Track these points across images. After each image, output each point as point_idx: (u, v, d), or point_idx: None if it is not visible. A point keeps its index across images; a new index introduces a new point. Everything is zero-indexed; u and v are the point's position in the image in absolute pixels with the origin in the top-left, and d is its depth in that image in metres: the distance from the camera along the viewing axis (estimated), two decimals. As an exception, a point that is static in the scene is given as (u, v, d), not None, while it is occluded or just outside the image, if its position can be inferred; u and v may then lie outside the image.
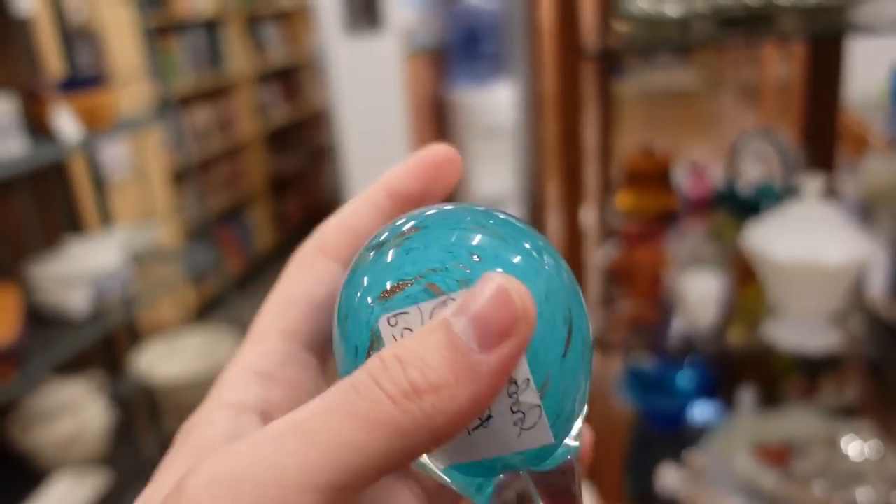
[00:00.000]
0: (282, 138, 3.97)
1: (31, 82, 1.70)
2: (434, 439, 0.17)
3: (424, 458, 0.21)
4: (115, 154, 2.26)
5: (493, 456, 0.20)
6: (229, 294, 2.37)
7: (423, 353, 0.17)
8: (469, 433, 0.19)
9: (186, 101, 3.16)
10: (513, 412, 0.19)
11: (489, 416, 0.19)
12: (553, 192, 1.20)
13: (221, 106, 3.42)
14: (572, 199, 1.13)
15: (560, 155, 1.09)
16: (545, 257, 0.20)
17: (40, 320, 1.54)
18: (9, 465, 1.61)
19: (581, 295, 0.21)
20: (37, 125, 1.58)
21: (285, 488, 0.16)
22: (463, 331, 0.17)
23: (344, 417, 0.17)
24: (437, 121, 2.98)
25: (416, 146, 2.60)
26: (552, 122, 1.17)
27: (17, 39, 1.77)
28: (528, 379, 0.19)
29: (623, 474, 1.22)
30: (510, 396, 0.19)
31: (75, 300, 1.55)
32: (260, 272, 3.53)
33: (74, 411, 1.66)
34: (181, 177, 2.96)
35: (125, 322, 1.87)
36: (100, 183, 1.97)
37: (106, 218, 1.98)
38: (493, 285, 0.17)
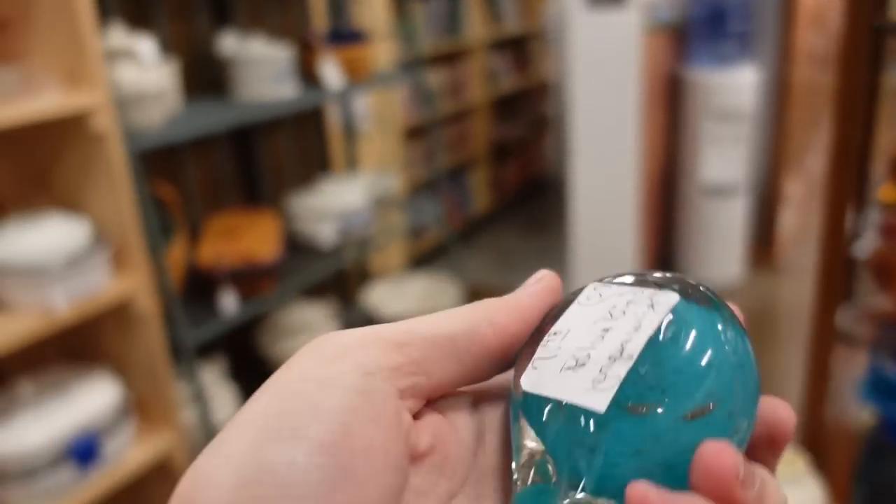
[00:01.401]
0: (507, 106, 4.07)
1: (304, 33, 1.89)
2: None
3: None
4: (363, 106, 2.44)
5: (558, 397, 0.22)
6: (448, 247, 2.50)
7: None
8: (560, 370, 0.23)
9: (424, 64, 3.34)
10: (600, 371, 0.22)
11: (583, 364, 0.23)
12: (788, 187, 1.15)
13: (454, 70, 3.56)
14: (840, 192, 1.08)
15: (837, 144, 1.04)
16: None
17: (295, 246, 1.73)
18: (255, 367, 1.83)
19: (752, 402, 0.23)
20: (306, 72, 1.76)
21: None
22: None
23: None
24: (670, 99, 2.91)
25: (645, 124, 2.57)
26: (796, 110, 1.12)
27: (298, -6, 1.97)
28: (632, 356, 0.22)
29: (853, 482, 1.16)
30: (609, 359, 0.22)
31: (324, 232, 1.72)
32: (474, 232, 3.67)
33: (312, 332, 1.86)
34: (414, 134, 3.14)
35: (360, 258, 2.04)
36: (350, 130, 2.15)
37: (352, 163, 2.16)
38: None
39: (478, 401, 0.26)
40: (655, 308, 0.23)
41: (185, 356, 1.40)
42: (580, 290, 0.26)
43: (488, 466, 0.24)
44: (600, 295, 0.25)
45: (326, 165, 2.09)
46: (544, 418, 0.23)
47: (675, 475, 0.21)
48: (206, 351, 1.61)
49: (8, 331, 1.12)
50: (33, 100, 1.15)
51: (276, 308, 1.78)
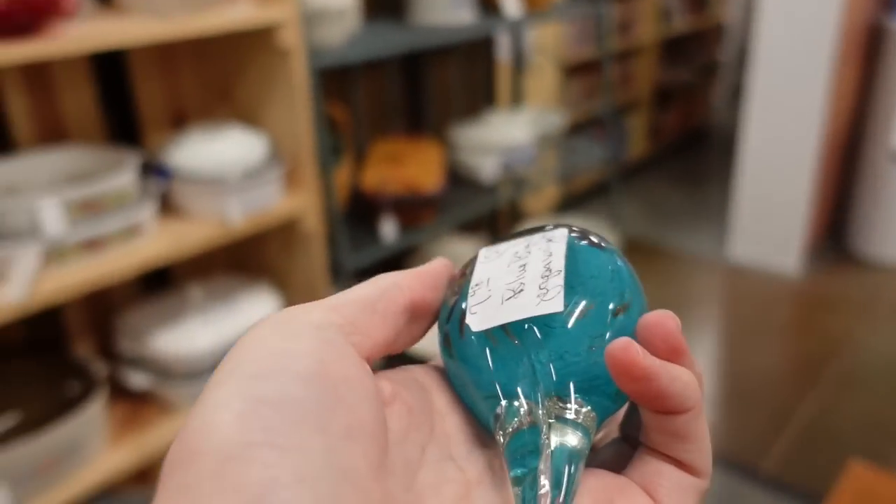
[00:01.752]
0: (676, 48, 3.83)
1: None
2: None
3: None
4: (531, 38, 2.35)
5: (515, 319, 0.24)
6: (602, 192, 2.39)
7: None
8: (502, 303, 0.25)
9: None
10: (540, 288, 0.25)
11: (521, 290, 0.25)
12: None
13: (625, 6, 3.37)
14: None
15: None
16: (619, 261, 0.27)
17: (455, 178, 1.70)
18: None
19: (643, 298, 0.26)
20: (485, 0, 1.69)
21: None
22: None
23: None
24: (867, 52, 2.62)
25: (836, 78, 2.32)
26: None
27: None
28: (560, 270, 0.25)
29: None
30: (542, 278, 0.25)
31: (487, 166, 1.68)
32: (628, 179, 3.53)
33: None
34: (574, 71, 3.01)
35: (518, 196, 1.98)
36: (519, 63, 2.07)
37: (517, 97, 2.09)
38: None
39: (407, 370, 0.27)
40: (555, 240, 0.27)
41: (342, 278, 1.41)
42: (473, 258, 0.29)
43: (447, 418, 0.26)
44: (497, 251, 0.28)
45: (491, 98, 2.03)
46: (492, 352, 0.24)
47: None
48: (360, 276, 1.62)
49: (188, 237, 1.16)
50: (226, 10, 1.15)
51: (431, 240, 1.76)
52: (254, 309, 1.33)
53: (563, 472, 0.22)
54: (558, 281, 0.25)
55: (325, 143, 1.30)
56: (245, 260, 1.46)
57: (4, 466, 1.04)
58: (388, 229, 1.45)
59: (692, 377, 0.23)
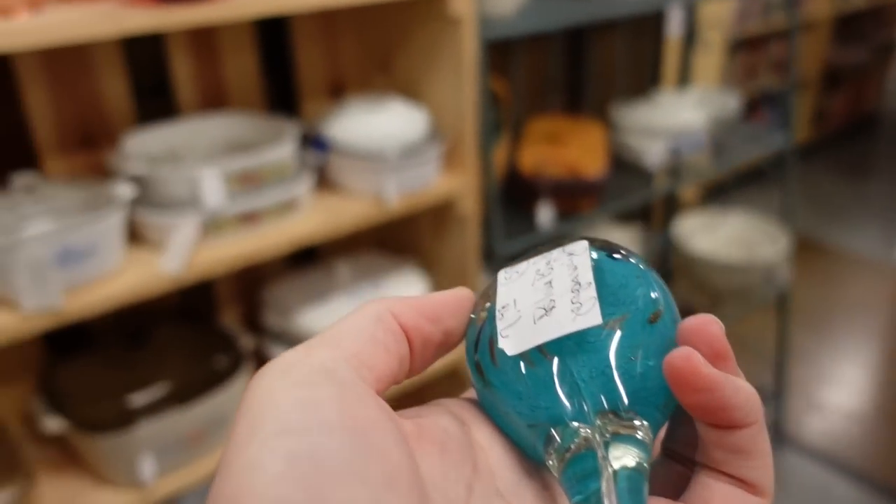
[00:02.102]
0: (851, 25, 3.48)
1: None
2: None
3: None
4: (703, 13, 2.16)
5: (552, 337, 0.23)
6: (763, 180, 2.19)
7: None
8: (535, 322, 0.24)
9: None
10: (572, 303, 0.24)
11: (553, 307, 0.24)
12: None
13: (800, -22, 3.08)
14: None
15: None
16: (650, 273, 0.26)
17: (617, 162, 1.57)
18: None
19: (675, 308, 0.25)
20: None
21: None
22: None
23: None
24: None
25: None
26: None
27: None
28: (590, 282, 0.24)
29: None
30: (573, 292, 0.24)
31: (653, 151, 1.54)
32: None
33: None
34: (737, 47, 2.78)
35: (676, 186, 1.83)
36: (691, 39, 1.90)
37: (684, 76, 1.93)
38: None
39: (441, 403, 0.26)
40: (576, 253, 0.26)
41: (494, 265, 1.33)
42: (493, 282, 0.27)
43: (490, 451, 0.24)
44: (517, 272, 0.27)
45: (656, 77, 1.88)
46: (531, 375, 0.23)
47: (660, 374, 0.22)
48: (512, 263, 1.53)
49: (343, 215, 1.10)
50: (396, -26, 1.08)
51: (586, 229, 1.65)
52: (401, 290, 1.27)
53: (629, 492, 0.21)
54: (590, 293, 0.24)
55: (488, 120, 1.21)
56: (392, 238, 1.40)
57: (152, 436, 1.04)
58: (545, 215, 1.35)
59: (753, 388, 0.22)
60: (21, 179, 0.93)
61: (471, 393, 0.28)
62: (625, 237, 1.72)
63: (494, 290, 0.27)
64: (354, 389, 0.22)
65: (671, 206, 2.06)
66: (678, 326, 0.23)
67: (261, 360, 1.23)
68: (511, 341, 0.24)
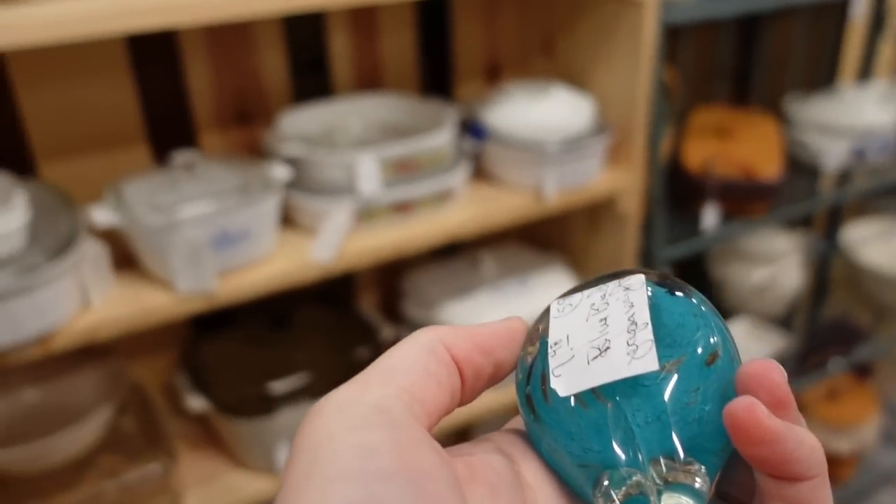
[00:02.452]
0: None
1: None
2: None
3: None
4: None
5: (606, 381, 0.23)
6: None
7: None
8: (588, 363, 0.23)
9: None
10: (628, 345, 0.23)
11: (608, 348, 0.23)
12: None
13: None
14: None
15: None
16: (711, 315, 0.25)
17: (790, 162, 1.43)
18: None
19: (734, 347, 0.24)
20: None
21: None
22: None
23: None
24: None
25: None
26: None
27: None
28: (647, 323, 0.23)
29: None
30: (629, 333, 0.23)
31: (834, 151, 1.39)
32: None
33: (772, 262, 1.57)
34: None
35: (848, 193, 1.66)
36: (878, 26, 1.70)
37: (866, 68, 1.73)
38: None
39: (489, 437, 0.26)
40: (633, 288, 0.25)
41: (652, 269, 1.23)
42: (545, 313, 0.27)
43: (538, 491, 0.24)
44: (570, 304, 0.26)
45: (835, 67, 1.70)
46: (584, 417, 0.23)
47: (718, 418, 0.21)
48: (672, 268, 1.42)
49: (498, 208, 1.03)
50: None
51: (754, 235, 1.51)
52: (548, 288, 1.19)
53: None
54: (647, 335, 0.23)
55: (659, 111, 1.10)
56: (539, 231, 1.32)
57: (291, 424, 1.01)
58: (710, 218, 1.23)
59: (816, 440, 0.21)
60: (181, 157, 0.91)
61: (516, 422, 0.27)
62: (783, 243, 1.57)
63: (547, 323, 0.26)
64: (409, 433, 0.22)
65: (836, 211, 1.88)
66: (738, 370, 0.22)
67: (401, 353, 1.19)
68: (564, 381, 0.24)
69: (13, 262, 0.76)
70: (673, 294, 0.25)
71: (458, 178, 1.01)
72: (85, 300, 0.83)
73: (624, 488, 0.22)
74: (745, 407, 0.20)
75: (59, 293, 0.79)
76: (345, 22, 1.10)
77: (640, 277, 0.26)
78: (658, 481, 0.21)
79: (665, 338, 0.23)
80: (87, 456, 0.97)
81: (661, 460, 0.22)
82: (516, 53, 1.26)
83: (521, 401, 0.26)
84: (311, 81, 1.12)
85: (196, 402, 1.01)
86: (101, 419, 0.94)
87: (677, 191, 1.29)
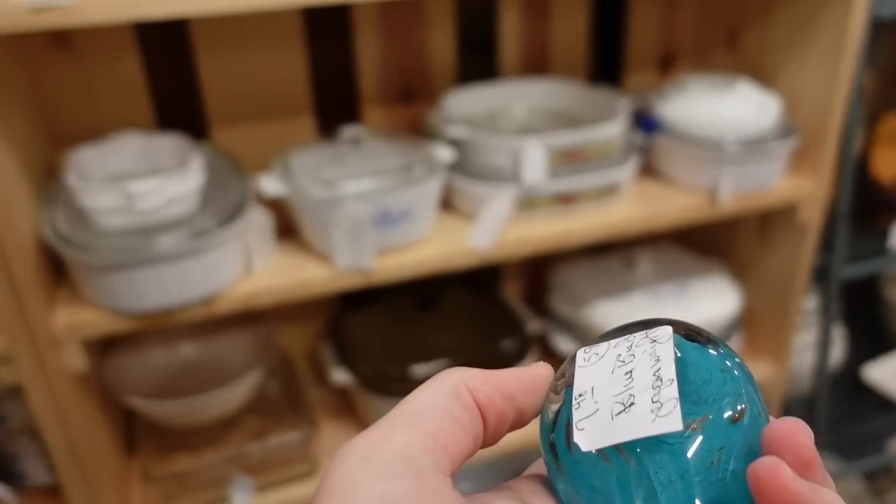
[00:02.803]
0: None
1: None
2: None
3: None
4: None
5: (630, 438, 0.22)
6: None
7: None
8: (612, 418, 0.23)
9: None
10: (652, 402, 0.23)
11: (632, 403, 0.23)
12: None
13: None
14: None
15: None
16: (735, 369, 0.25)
17: None
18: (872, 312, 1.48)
19: (762, 403, 0.24)
20: None
21: None
22: None
23: None
24: None
25: None
26: None
27: None
28: (672, 379, 0.23)
29: None
30: (653, 389, 0.23)
31: None
32: None
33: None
34: None
35: None
36: None
37: None
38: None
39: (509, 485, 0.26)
40: (659, 341, 0.25)
41: (828, 288, 1.12)
42: (571, 360, 0.27)
43: None
44: (597, 354, 0.26)
45: None
46: (606, 472, 0.23)
47: (743, 477, 0.21)
48: (848, 289, 1.30)
49: (666, 207, 0.97)
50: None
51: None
52: (709, 299, 1.12)
53: None
54: (672, 393, 0.23)
55: (855, 116, 1.00)
56: (702, 235, 1.25)
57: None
58: (898, 236, 1.12)
59: (841, 501, 0.21)
60: (349, 132, 0.91)
61: (537, 467, 0.27)
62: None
63: (572, 372, 0.26)
64: (432, 483, 0.22)
65: None
66: (765, 430, 0.22)
67: (546, 349, 1.15)
68: (587, 435, 0.24)
69: (186, 224, 0.78)
70: (701, 347, 0.25)
71: (626, 172, 0.96)
72: (248, 267, 0.84)
73: None
74: (768, 468, 0.20)
75: (225, 258, 0.80)
76: (517, 1, 1.06)
77: (668, 330, 0.26)
78: None
79: (691, 394, 0.23)
80: (234, 416, 1.00)
81: None
82: (694, 44, 1.18)
83: (544, 447, 0.26)
84: (478, 62, 1.09)
85: (339, 375, 1.02)
86: (251, 382, 0.97)
87: (863, 203, 1.17)
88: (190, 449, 0.97)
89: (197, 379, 1.00)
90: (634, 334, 0.26)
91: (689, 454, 0.22)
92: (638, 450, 0.23)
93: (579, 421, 0.24)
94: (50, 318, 0.78)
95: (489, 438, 0.26)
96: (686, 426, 0.22)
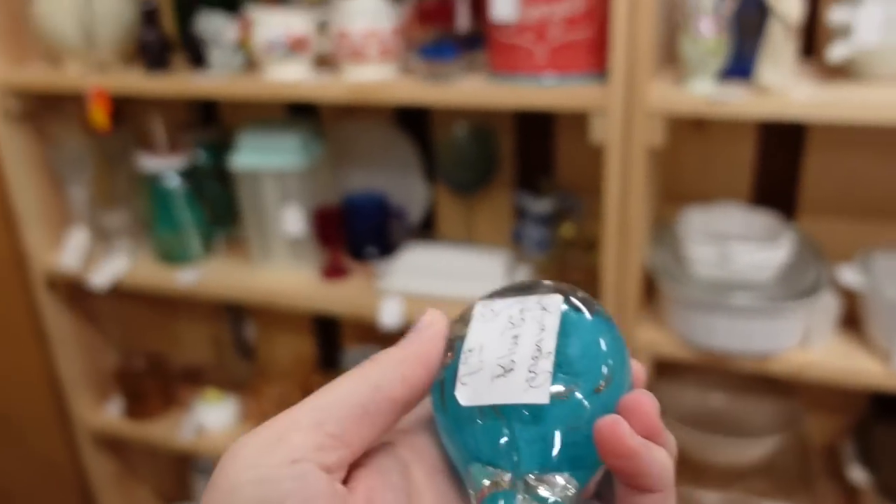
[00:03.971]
0: None
1: None
2: None
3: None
4: None
5: (502, 402, 0.26)
6: None
7: None
8: (492, 380, 0.26)
9: None
10: (529, 371, 0.26)
11: (511, 370, 0.26)
12: None
13: None
14: None
15: None
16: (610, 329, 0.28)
17: None
18: None
19: (627, 366, 0.27)
20: None
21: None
22: None
23: None
24: None
25: None
26: None
27: None
28: (550, 352, 0.26)
29: None
30: (532, 359, 0.26)
31: None
32: None
33: None
34: None
35: None
36: None
37: None
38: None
39: (390, 438, 0.28)
40: (548, 309, 0.27)
41: None
42: (469, 310, 0.29)
43: (425, 494, 0.27)
44: (492, 310, 0.29)
45: None
46: (480, 425, 0.26)
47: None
48: None
49: None
50: None
51: None
52: None
53: None
54: (546, 366, 0.26)
55: None
56: None
57: None
58: None
59: (670, 461, 0.25)
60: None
61: (421, 409, 0.29)
62: None
63: (467, 323, 0.29)
64: (309, 486, 0.23)
65: None
66: (619, 400, 0.25)
67: None
68: (467, 391, 0.26)
69: (764, 289, 0.91)
70: (586, 318, 0.27)
71: None
72: (806, 341, 0.93)
73: (488, 484, 0.25)
74: (609, 424, 0.23)
75: (789, 327, 0.91)
76: None
77: (558, 300, 0.28)
78: (529, 493, 0.24)
79: (565, 365, 0.26)
80: (740, 469, 1.09)
81: (534, 474, 0.25)
82: None
83: (435, 384, 0.28)
84: None
85: (857, 474, 1.03)
86: (769, 445, 1.05)
87: None
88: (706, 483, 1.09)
89: (717, 426, 1.12)
90: (529, 296, 0.28)
91: (554, 419, 0.25)
92: (509, 412, 0.25)
93: (463, 376, 0.27)
94: (634, 331, 0.99)
95: (413, 403, 0.28)
96: (556, 394, 0.25)
